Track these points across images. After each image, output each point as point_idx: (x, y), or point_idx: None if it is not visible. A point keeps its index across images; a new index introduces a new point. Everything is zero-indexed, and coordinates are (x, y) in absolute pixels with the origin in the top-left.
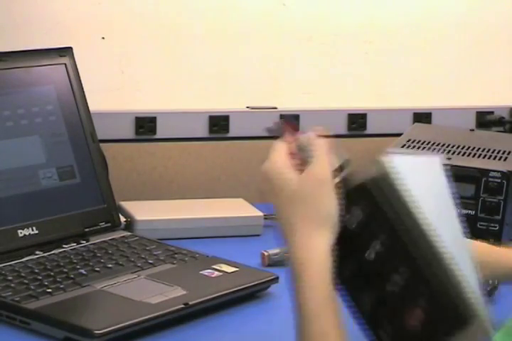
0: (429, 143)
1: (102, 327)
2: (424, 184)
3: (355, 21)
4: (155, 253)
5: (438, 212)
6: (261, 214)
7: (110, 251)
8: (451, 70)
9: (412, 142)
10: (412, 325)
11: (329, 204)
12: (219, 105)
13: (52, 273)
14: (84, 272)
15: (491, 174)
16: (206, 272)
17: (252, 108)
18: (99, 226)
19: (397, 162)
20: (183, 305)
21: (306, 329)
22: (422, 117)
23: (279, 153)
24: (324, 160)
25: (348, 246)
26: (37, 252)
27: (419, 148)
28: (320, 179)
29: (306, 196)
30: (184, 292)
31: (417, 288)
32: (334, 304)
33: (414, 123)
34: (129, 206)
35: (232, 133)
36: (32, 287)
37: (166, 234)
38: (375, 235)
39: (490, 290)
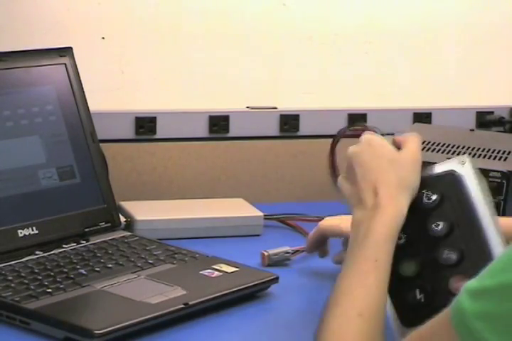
0: (429, 143)
1: (102, 327)
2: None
3: (355, 21)
4: (155, 253)
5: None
6: (261, 214)
7: (110, 251)
8: (451, 70)
9: None
10: (456, 289)
11: (416, 178)
12: (219, 105)
13: (52, 273)
14: (84, 272)
15: (491, 174)
16: (206, 272)
17: (252, 108)
18: (99, 226)
19: (470, 162)
20: (183, 305)
21: (358, 253)
22: (422, 117)
23: (376, 135)
24: (418, 147)
25: (413, 217)
26: (37, 252)
27: None
28: (414, 157)
29: (401, 165)
30: (184, 292)
31: (471, 259)
32: (393, 246)
33: (414, 123)
34: (129, 206)
35: (232, 133)
36: (32, 287)
37: (166, 234)
38: (447, 212)
39: None
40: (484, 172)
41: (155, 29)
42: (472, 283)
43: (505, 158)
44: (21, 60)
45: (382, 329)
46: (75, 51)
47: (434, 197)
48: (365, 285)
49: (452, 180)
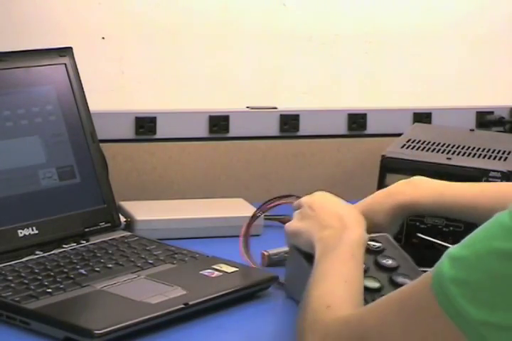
0: (429, 143)
1: (102, 327)
2: None
3: (355, 21)
4: (155, 253)
5: None
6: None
7: (110, 251)
8: (451, 70)
9: (412, 142)
10: None
11: (365, 221)
12: (219, 105)
13: (52, 273)
14: (84, 272)
15: (491, 174)
16: (206, 272)
17: (252, 108)
18: (99, 226)
19: None
20: (183, 305)
21: (333, 253)
22: (422, 117)
23: None
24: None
25: (366, 256)
26: (37, 252)
27: (419, 148)
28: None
29: (354, 208)
30: (184, 292)
31: None
32: (363, 252)
33: (414, 123)
34: (129, 206)
35: (232, 133)
36: (32, 287)
37: (166, 234)
38: (390, 254)
39: None
40: (484, 172)
41: (155, 29)
42: (454, 250)
43: (505, 158)
44: (21, 60)
45: (362, 295)
46: (75, 51)
47: (378, 244)
48: (346, 264)
49: (386, 238)
